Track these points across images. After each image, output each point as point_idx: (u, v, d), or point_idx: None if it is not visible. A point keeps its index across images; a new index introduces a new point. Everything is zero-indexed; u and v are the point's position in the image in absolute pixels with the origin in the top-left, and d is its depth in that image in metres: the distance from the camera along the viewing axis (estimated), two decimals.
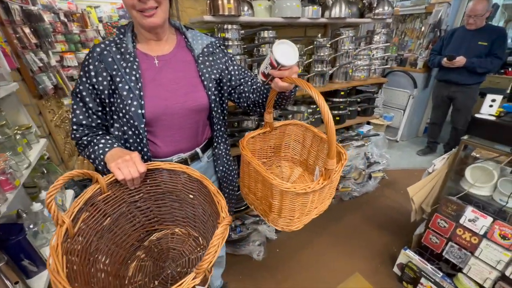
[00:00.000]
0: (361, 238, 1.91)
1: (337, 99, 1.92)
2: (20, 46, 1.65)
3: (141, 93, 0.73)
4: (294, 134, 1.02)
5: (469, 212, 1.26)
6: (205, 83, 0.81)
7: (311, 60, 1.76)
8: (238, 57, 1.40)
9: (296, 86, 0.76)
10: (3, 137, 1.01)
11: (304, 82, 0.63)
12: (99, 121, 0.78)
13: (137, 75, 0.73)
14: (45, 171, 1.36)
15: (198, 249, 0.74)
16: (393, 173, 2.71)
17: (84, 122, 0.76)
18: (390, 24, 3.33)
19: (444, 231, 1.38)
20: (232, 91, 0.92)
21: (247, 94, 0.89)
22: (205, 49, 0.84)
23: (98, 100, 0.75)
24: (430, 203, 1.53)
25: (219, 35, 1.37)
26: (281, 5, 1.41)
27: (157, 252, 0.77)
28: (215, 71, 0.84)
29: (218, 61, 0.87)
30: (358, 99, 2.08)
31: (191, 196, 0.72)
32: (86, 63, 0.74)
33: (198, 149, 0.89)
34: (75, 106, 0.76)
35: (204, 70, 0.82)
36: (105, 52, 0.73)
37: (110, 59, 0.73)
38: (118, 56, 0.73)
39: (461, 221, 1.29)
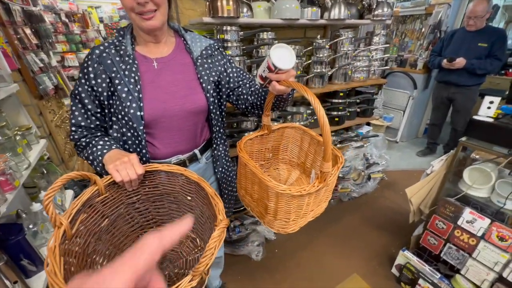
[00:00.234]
0: (360, 239, 1.92)
1: (336, 100, 1.92)
2: (21, 47, 1.66)
3: (140, 95, 0.73)
4: (292, 137, 1.03)
5: (467, 213, 1.27)
6: (204, 85, 0.82)
7: (310, 61, 1.76)
8: (237, 58, 1.41)
9: (293, 89, 0.76)
10: (3, 138, 1.02)
11: (300, 86, 0.63)
12: (98, 122, 0.78)
13: (136, 77, 0.73)
14: (45, 172, 1.36)
15: (196, 250, 0.75)
16: (392, 174, 2.71)
17: (83, 123, 0.76)
18: (389, 25, 3.33)
19: (442, 232, 1.38)
20: (231, 93, 0.93)
21: (245, 96, 0.90)
22: (204, 52, 0.85)
23: (97, 102, 0.76)
24: (428, 205, 1.54)
25: (218, 37, 1.38)
26: (280, 7, 1.41)
27: None
28: (213, 74, 0.85)
29: (217, 63, 0.87)
30: (358, 100, 2.08)
31: (189, 198, 0.73)
32: (85, 65, 0.74)
33: (196, 151, 0.90)
34: (74, 108, 0.76)
35: (203, 73, 0.83)
36: (104, 54, 0.74)
37: (109, 61, 0.73)
38: (117, 58, 0.74)
39: (459, 223, 1.30)
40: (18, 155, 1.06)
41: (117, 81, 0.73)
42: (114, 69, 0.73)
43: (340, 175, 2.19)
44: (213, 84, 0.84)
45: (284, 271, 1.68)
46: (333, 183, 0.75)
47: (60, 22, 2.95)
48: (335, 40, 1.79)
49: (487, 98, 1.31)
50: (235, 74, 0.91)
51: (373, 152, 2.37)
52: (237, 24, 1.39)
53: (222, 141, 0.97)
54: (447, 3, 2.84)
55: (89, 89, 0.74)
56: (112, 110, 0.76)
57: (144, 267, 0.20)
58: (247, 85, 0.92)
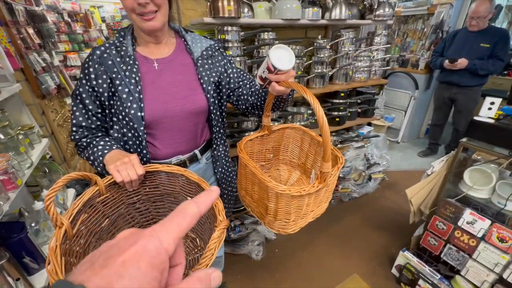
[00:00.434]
0: (360, 239, 1.92)
1: (337, 101, 1.92)
2: (23, 47, 1.67)
3: (141, 96, 0.74)
4: (292, 138, 1.03)
5: (468, 214, 1.26)
6: (204, 86, 0.82)
7: (311, 61, 1.76)
8: (238, 58, 1.41)
9: (293, 90, 0.76)
10: (6, 137, 1.03)
11: (300, 86, 0.64)
12: (98, 123, 0.79)
13: (137, 78, 0.74)
14: (47, 170, 1.38)
15: (196, 250, 0.75)
16: (393, 174, 2.70)
17: (83, 123, 0.77)
18: (391, 25, 3.32)
19: (443, 233, 1.38)
20: (231, 94, 0.93)
21: (245, 97, 0.90)
22: (204, 52, 0.85)
23: (98, 102, 0.76)
24: (428, 205, 1.53)
25: (219, 37, 1.38)
26: (281, 7, 1.42)
27: None
28: (214, 74, 0.85)
29: (217, 64, 0.88)
30: (359, 101, 2.08)
31: (189, 199, 0.73)
32: (86, 65, 0.75)
33: (196, 151, 0.90)
34: (74, 108, 0.77)
35: (203, 73, 0.83)
36: (105, 55, 0.74)
37: (110, 62, 0.74)
38: (118, 59, 0.74)
39: (459, 224, 1.30)
40: (21, 154, 1.07)
41: (117, 82, 0.73)
42: (115, 69, 0.73)
43: (340, 175, 2.19)
44: (213, 85, 0.85)
45: (284, 271, 1.68)
46: (333, 183, 0.75)
47: (63, 22, 2.97)
48: (336, 41, 1.79)
49: (488, 99, 1.30)
50: (235, 75, 0.92)
51: (374, 153, 2.37)
52: (238, 24, 1.40)
53: (222, 141, 0.98)
54: (449, 3, 2.83)
55: (90, 90, 0.75)
56: (113, 110, 0.77)
57: (186, 228, 0.21)
58: (248, 86, 0.92)
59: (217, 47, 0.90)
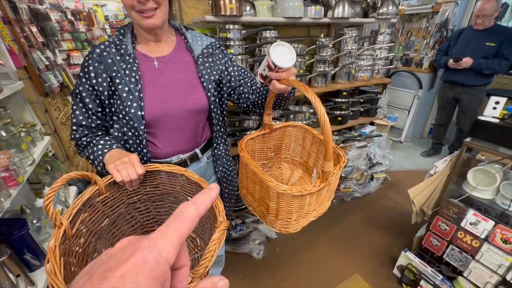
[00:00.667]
0: (362, 239, 1.91)
1: (340, 100, 1.91)
2: (27, 45, 1.68)
3: (141, 95, 0.73)
4: (294, 136, 1.02)
5: (471, 215, 1.25)
6: (205, 84, 0.82)
7: (313, 60, 1.75)
8: (239, 57, 1.40)
9: (294, 88, 0.76)
10: (8, 135, 1.04)
11: (301, 85, 0.63)
12: (98, 121, 0.79)
13: (137, 77, 0.73)
14: (49, 168, 1.39)
15: (196, 250, 0.75)
16: (396, 174, 2.68)
17: (84, 122, 0.77)
18: (395, 23, 3.29)
19: (445, 233, 1.37)
20: (232, 92, 0.92)
21: (246, 95, 0.89)
22: (205, 50, 0.84)
23: (98, 101, 0.76)
24: (431, 206, 1.52)
25: (220, 35, 1.38)
26: (283, 5, 1.40)
27: None
28: (214, 72, 0.85)
29: (218, 62, 0.87)
30: (361, 100, 2.07)
31: (189, 198, 0.73)
32: (86, 64, 0.74)
33: (197, 150, 0.90)
34: (75, 107, 0.77)
35: (204, 72, 0.82)
36: (105, 53, 0.74)
37: (110, 60, 0.73)
38: (118, 58, 0.74)
39: (462, 224, 1.28)
40: (23, 151, 1.08)
41: (117, 81, 0.73)
42: (115, 68, 0.73)
43: (342, 175, 2.18)
44: (214, 83, 0.84)
45: (285, 270, 1.68)
46: (335, 182, 0.74)
47: (66, 20, 2.98)
48: (339, 39, 1.77)
49: (493, 99, 1.28)
50: (236, 73, 0.91)
51: (377, 152, 2.36)
52: (239, 22, 1.39)
53: (223, 140, 0.97)
54: (454, 1, 2.79)
55: (90, 88, 0.74)
56: (113, 109, 0.76)
57: (186, 233, 0.20)
58: (248, 84, 0.91)
59: (217, 45, 0.89)
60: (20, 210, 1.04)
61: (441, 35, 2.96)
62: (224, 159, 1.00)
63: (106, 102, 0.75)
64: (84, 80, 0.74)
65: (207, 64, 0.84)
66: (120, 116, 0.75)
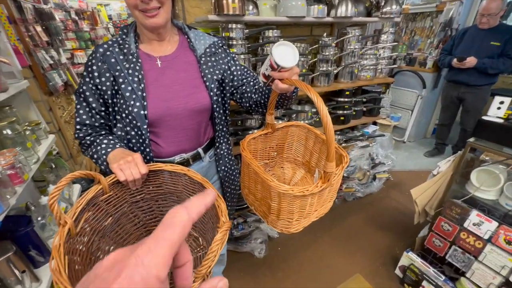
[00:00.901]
0: (364, 239, 1.90)
1: (342, 99, 1.91)
2: (32, 44, 1.70)
3: (144, 94, 0.74)
4: (297, 136, 1.02)
5: (474, 216, 1.24)
6: (207, 84, 0.82)
7: (316, 59, 1.75)
8: (242, 56, 1.41)
9: (297, 87, 0.75)
10: (13, 133, 1.05)
11: (303, 84, 0.63)
12: (102, 121, 0.79)
13: (140, 76, 0.74)
14: (54, 166, 1.40)
15: (198, 249, 0.75)
16: (399, 174, 2.67)
17: (87, 122, 0.77)
18: (399, 23, 3.26)
19: (448, 234, 1.36)
20: (234, 91, 0.92)
21: (249, 94, 0.89)
22: (208, 50, 0.84)
23: (101, 100, 0.76)
24: (434, 206, 1.51)
25: (223, 35, 1.38)
26: (286, 4, 1.40)
27: None
28: (217, 72, 0.85)
29: (221, 61, 0.87)
30: (364, 99, 2.06)
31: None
32: (90, 63, 0.75)
33: (200, 149, 0.90)
34: (78, 106, 0.77)
35: (207, 71, 0.82)
36: (108, 53, 0.74)
37: (113, 60, 0.74)
38: (121, 57, 0.74)
39: (465, 225, 1.27)
40: (28, 149, 1.09)
41: (121, 80, 0.73)
42: (118, 67, 0.73)
43: (344, 175, 2.17)
44: (216, 83, 0.84)
45: (286, 270, 1.68)
46: (337, 183, 0.73)
47: (70, 20, 3.00)
48: (342, 38, 1.76)
49: (497, 98, 1.27)
50: (239, 72, 0.91)
51: (379, 152, 2.35)
52: (242, 22, 1.39)
53: (225, 139, 0.97)
54: (459, 0, 2.77)
55: (94, 88, 0.75)
56: (116, 108, 0.77)
57: (178, 241, 0.19)
58: (251, 83, 0.91)
59: (220, 44, 0.89)
60: (25, 208, 1.05)
61: (445, 34, 2.94)
62: (226, 159, 1.00)
63: (109, 101, 0.76)
64: (87, 79, 0.75)
65: (209, 64, 0.84)
66: (123, 115, 0.76)
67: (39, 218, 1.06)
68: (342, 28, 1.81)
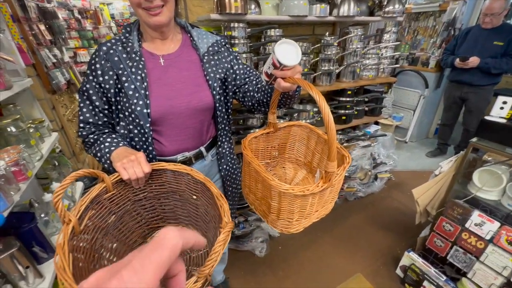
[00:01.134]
0: (365, 239, 1.90)
1: (344, 99, 1.90)
2: (35, 43, 1.71)
3: (147, 93, 0.74)
4: (299, 136, 1.01)
5: (476, 216, 1.24)
6: (210, 82, 0.82)
7: (318, 58, 1.74)
8: (244, 55, 1.41)
9: (300, 86, 0.75)
10: (17, 130, 1.06)
11: (306, 83, 0.63)
12: (105, 119, 0.79)
13: (143, 75, 0.74)
14: (57, 164, 1.41)
15: None
16: (400, 174, 2.67)
17: (90, 120, 0.78)
18: (401, 22, 3.25)
19: (449, 234, 1.36)
20: (237, 90, 0.92)
21: (252, 93, 0.89)
22: (210, 48, 0.84)
23: (104, 99, 0.77)
24: (435, 206, 1.51)
25: (225, 33, 1.38)
26: (288, 3, 1.40)
27: None
28: (220, 70, 0.85)
29: (223, 60, 0.87)
30: (366, 99, 2.05)
31: (194, 197, 0.74)
32: (93, 61, 0.75)
33: (202, 148, 0.91)
34: (82, 104, 0.77)
35: (209, 70, 0.83)
36: (111, 51, 0.74)
37: (116, 58, 0.74)
38: (124, 55, 0.74)
39: (467, 225, 1.27)
40: (31, 147, 1.10)
41: (124, 78, 0.73)
42: (121, 66, 0.73)
43: (346, 174, 2.17)
44: (219, 81, 0.84)
45: (287, 269, 1.69)
46: (339, 183, 0.72)
47: (73, 19, 3.02)
48: (344, 38, 1.76)
49: (500, 98, 1.27)
50: (241, 71, 0.91)
51: (381, 152, 2.34)
52: (244, 21, 1.39)
53: (228, 138, 0.97)
54: None
55: (97, 86, 0.75)
56: (119, 107, 0.77)
57: (167, 263, 0.19)
58: (254, 82, 0.91)
59: (223, 43, 0.89)
60: (28, 204, 1.06)
61: (448, 34, 2.92)
62: (228, 157, 1.00)
63: (113, 99, 0.76)
64: (91, 77, 0.75)
65: (212, 62, 0.84)
66: (126, 113, 0.76)
67: (42, 215, 1.07)
68: (344, 28, 1.81)
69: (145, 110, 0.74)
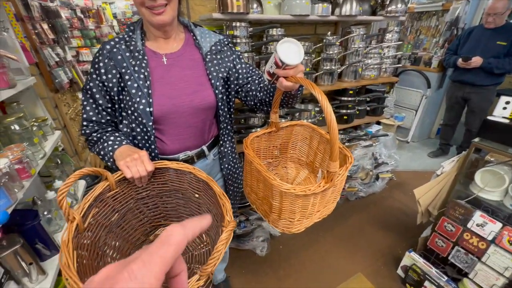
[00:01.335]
0: (366, 239, 1.90)
1: (346, 98, 1.90)
2: (38, 42, 1.72)
3: (149, 91, 0.74)
4: (301, 135, 1.00)
5: (478, 216, 1.24)
6: (213, 81, 0.82)
7: (319, 58, 1.74)
8: (246, 54, 1.41)
9: (302, 86, 0.75)
10: (21, 128, 1.07)
11: (308, 82, 0.62)
12: (108, 117, 0.80)
13: (146, 73, 0.74)
14: (59, 162, 1.42)
15: (202, 245, 0.76)
16: (402, 174, 2.66)
17: (94, 118, 0.78)
18: (404, 22, 3.23)
19: (451, 235, 1.36)
20: (239, 90, 0.92)
21: (254, 93, 0.89)
22: (213, 47, 0.85)
23: (108, 97, 0.77)
24: (437, 206, 1.51)
25: (227, 33, 1.38)
26: (290, 3, 1.40)
27: None
28: (222, 70, 0.85)
29: (226, 59, 0.87)
30: (368, 99, 2.05)
31: (197, 196, 0.74)
32: (96, 60, 0.75)
33: (204, 147, 0.91)
34: (85, 103, 0.78)
35: (212, 69, 0.83)
36: (115, 50, 0.74)
37: (119, 57, 0.74)
38: (128, 54, 0.74)
39: (468, 226, 1.27)
40: (35, 145, 1.11)
41: (127, 77, 0.74)
42: (124, 64, 0.74)
43: (347, 174, 2.16)
44: (222, 81, 0.84)
45: (288, 268, 1.69)
46: (341, 184, 0.72)
47: (76, 18, 3.03)
48: (346, 37, 1.76)
49: (503, 98, 1.26)
50: (244, 70, 0.90)
51: (382, 152, 2.34)
52: (246, 20, 1.39)
53: (229, 137, 0.98)
54: None
55: (100, 84, 0.75)
56: (122, 105, 0.77)
57: (172, 258, 0.20)
58: (256, 81, 0.91)
59: (226, 42, 0.89)
60: (31, 202, 1.07)
61: (451, 34, 2.91)
62: (230, 157, 1.00)
63: (116, 98, 0.76)
64: (94, 76, 0.75)
65: (215, 61, 0.84)
66: (129, 112, 0.76)
67: (45, 213, 1.08)
68: (347, 27, 1.80)
69: (147, 109, 0.74)
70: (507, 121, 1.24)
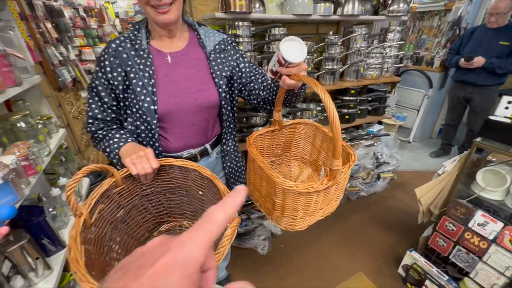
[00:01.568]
0: (367, 238, 1.91)
1: (347, 98, 1.90)
2: (42, 41, 1.73)
3: (154, 90, 0.75)
4: (304, 133, 1.01)
5: (479, 216, 1.24)
6: (216, 80, 0.83)
7: (321, 57, 1.75)
8: (248, 53, 1.42)
9: (305, 84, 0.76)
10: (27, 126, 1.08)
11: (311, 80, 0.63)
12: (113, 115, 0.81)
13: (151, 72, 0.75)
14: (64, 159, 1.43)
15: None
16: (403, 174, 2.66)
17: (99, 116, 0.79)
18: (406, 21, 3.23)
19: (452, 234, 1.36)
20: (243, 88, 0.93)
21: (257, 92, 0.89)
22: (217, 46, 0.85)
23: (113, 95, 0.78)
24: (438, 206, 1.51)
25: (230, 32, 1.39)
26: (292, 2, 1.41)
27: None
28: (226, 69, 0.86)
29: (230, 58, 0.88)
30: (369, 98, 2.06)
31: (201, 193, 0.75)
32: (102, 58, 0.76)
33: (207, 145, 0.92)
34: (91, 101, 0.79)
35: (216, 68, 0.83)
36: (120, 48, 0.76)
37: (124, 55, 0.75)
38: (133, 52, 0.76)
39: (470, 225, 1.27)
40: (40, 142, 1.12)
41: (132, 75, 0.75)
42: (129, 63, 0.75)
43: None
44: (225, 79, 0.85)
45: (289, 266, 1.70)
46: (344, 182, 0.72)
47: (78, 17, 3.05)
48: (348, 37, 1.76)
49: (505, 98, 1.26)
50: (247, 69, 0.91)
51: (384, 151, 2.34)
52: (249, 19, 1.40)
53: (232, 136, 0.98)
54: None
55: (106, 82, 0.76)
56: (127, 103, 0.78)
57: (215, 234, 0.21)
58: (259, 80, 0.91)
59: (229, 41, 0.90)
60: (37, 198, 1.08)
61: (453, 34, 2.90)
62: (232, 155, 1.01)
63: (121, 96, 0.77)
64: (100, 74, 0.76)
65: (219, 60, 0.85)
66: (134, 110, 0.77)
67: (50, 209, 1.09)
68: (349, 27, 1.81)
69: (152, 107, 0.75)
70: (509, 121, 1.24)
